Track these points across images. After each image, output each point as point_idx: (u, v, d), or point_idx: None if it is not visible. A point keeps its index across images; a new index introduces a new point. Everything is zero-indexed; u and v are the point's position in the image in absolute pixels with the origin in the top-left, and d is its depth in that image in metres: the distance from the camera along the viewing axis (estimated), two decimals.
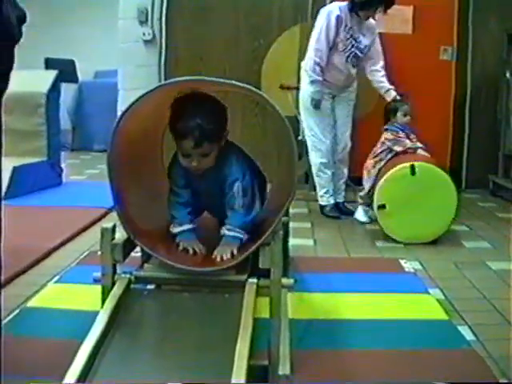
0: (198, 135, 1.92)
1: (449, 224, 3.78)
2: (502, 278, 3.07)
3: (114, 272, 1.88)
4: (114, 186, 1.91)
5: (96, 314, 1.69)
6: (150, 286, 2.02)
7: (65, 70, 6.41)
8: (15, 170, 4.61)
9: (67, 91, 7.34)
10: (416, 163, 3.76)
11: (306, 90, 4.42)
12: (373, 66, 4.43)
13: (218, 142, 2.00)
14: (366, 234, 4.06)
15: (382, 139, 4.15)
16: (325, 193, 4.56)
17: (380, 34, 4.54)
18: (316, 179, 4.60)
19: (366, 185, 4.16)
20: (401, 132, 4.12)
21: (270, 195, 2.36)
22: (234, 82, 1.99)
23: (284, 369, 1.87)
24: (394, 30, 5.48)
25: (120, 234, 1.92)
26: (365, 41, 4.36)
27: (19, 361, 1.96)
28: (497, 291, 2.87)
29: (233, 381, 1.38)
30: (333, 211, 4.54)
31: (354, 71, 4.43)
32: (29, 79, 4.97)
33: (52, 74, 5.50)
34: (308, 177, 5.13)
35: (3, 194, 3.23)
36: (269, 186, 2.39)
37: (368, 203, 4.14)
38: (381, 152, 4.12)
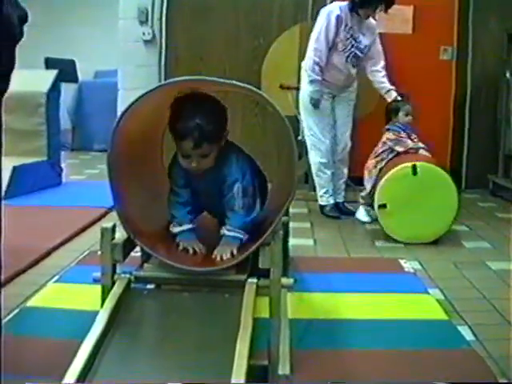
0: (198, 136, 1.91)
1: (449, 224, 3.78)
2: (502, 278, 3.07)
3: (114, 272, 1.88)
4: (113, 186, 1.91)
5: (96, 313, 1.69)
6: (150, 286, 2.02)
7: (65, 70, 6.41)
8: (15, 169, 4.61)
9: (67, 91, 7.34)
10: (418, 163, 3.76)
11: (306, 90, 4.42)
12: (373, 66, 4.43)
13: (218, 143, 2.00)
14: (366, 234, 4.06)
15: (384, 139, 4.14)
16: (324, 193, 4.56)
17: (380, 33, 4.54)
18: (316, 179, 4.60)
19: (367, 185, 4.16)
20: (402, 132, 4.12)
21: (270, 195, 2.35)
22: (234, 81, 1.99)
23: (284, 369, 1.87)
24: (394, 29, 5.49)
25: (120, 234, 1.92)
26: (365, 41, 4.36)
27: (19, 360, 1.96)
28: (497, 291, 2.87)
29: (232, 381, 1.38)
30: (333, 211, 4.53)
31: (353, 71, 4.43)
32: (29, 79, 4.97)
33: (52, 73, 5.50)
34: (308, 177, 5.13)
35: (3, 193, 3.24)
36: (269, 186, 2.38)
37: (369, 203, 4.14)
38: (382, 152, 4.12)
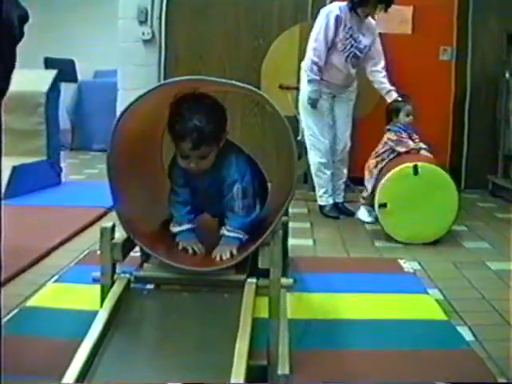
0: (196, 137, 1.90)
1: (450, 225, 3.78)
2: (502, 279, 3.07)
3: (114, 271, 1.88)
4: (113, 186, 1.91)
5: (95, 313, 1.69)
6: (150, 286, 2.02)
7: (64, 70, 6.41)
8: (15, 169, 4.61)
9: (67, 91, 7.34)
10: (419, 163, 3.76)
11: (306, 90, 4.42)
12: (374, 66, 4.43)
13: (217, 144, 1.99)
14: (366, 234, 4.06)
15: (385, 139, 4.14)
16: (324, 193, 4.56)
17: (380, 34, 4.54)
18: (315, 179, 4.60)
19: (368, 185, 4.15)
20: (403, 132, 4.12)
21: (270, 195, 2.35)
22: (233, 81, 1.99)
23: (283, 369, 1.87)
24: (393, 30, 5.49)
25: (119, 234, 1.92)
26: (364, 41, 4.35)
27: (18, 360, 1.96)
28: (496, 291, 2.87)
29: (232, 380, 1.38)
30: (332, 211, 4.53)
31: (353, 71, 4.43)
32: (28, 79, 4.97)
33: (51, 73, 5.50)
34: (307, 177, 5.13)
35: (3, 193, 3.24)
36: (269, 186, 2.38)
37: (371, 203, 4.13)
38: (383, 152, 4.12)
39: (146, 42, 5.93)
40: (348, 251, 3.63)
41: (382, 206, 3.77)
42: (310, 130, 4.49)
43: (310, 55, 4.34)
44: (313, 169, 4.58)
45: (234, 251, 1.97)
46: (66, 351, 1.56)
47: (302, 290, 2.72)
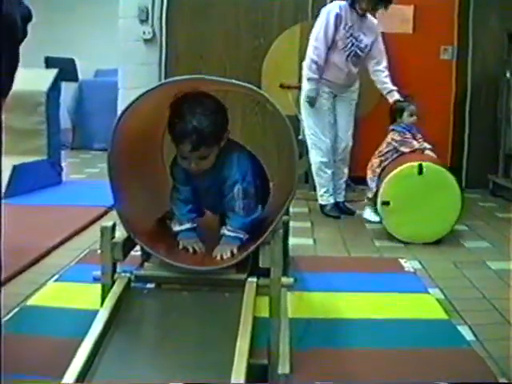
0: (195, 139, 1.89)
1: (452, 225, 3.78)
2: (502, 278, 3.07)
3: (114, 271, 1.88)
4: (114, 185, 1.91)
5: (96, 312, 1.69)
6: (150, 285, 2.01)
7: (65, 69, 6.40)
8: (15, 168, 4.61)
9: (67, 90, 7.34)
10: (424, 163, 3.76)
11: (304, 88, 4.42)
12: (376, 65, 4.43)
13: (218, 144, 1.98)
14: (366, 234, 4.05)
15: (389, 139, 4.13)
16: (325, 192, 4.56)
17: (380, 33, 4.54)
18: (316, 178, 4.59)
19: (372, 184, 4.15)
20: (407, 133, 4.11)
21: (271, 194, 2.35)
22: (234, 80, 1.99)
23: (283, 368, 1.87)
24: (394, 29, 5.49)
25: (120, 233, 1.92)
26: (366, 40, 4.35)
27: (19, 359, 1.95)
28: (497, 291, 2.87)
29: (232, 380, 1.38)
30: (333, 210, 4.53)
31: (354, 70, 4.42)
32: (29, 78, 4.95)
33: (52, 72, 5.50)
34: (308, 176, 5.12)
35: (3, 192, 3.23)
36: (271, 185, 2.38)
37: (376, 203, 4.11)
38: (387, 152, 4.11)
39: (146, 41, 5.93)
40: (349, 251, 3.63)
41: (385, 203, 3.77)
42: (311, 129, 4.49)
43: (309, 54, 4.34)
44: (314, 168, 4.58)
45: (235, 250, 1.97)
46: (66, 350, 1.56)
47: (302, 290, 2.72)
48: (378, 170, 4.10)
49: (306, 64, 4.37)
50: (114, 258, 1.86)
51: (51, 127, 5.33)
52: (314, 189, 4.70)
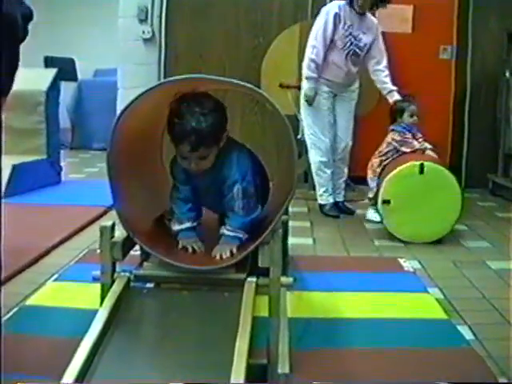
0: (194, 140, 1.89)
1: (452, 225, 3.78)
2: (502, 278, 3.07)
3: (114, 270, 1.88)
4: (113, 185, 1.91)
5: (95, 312, 1.69)
6: (150, 285, 2.01)
7: (64, 69, 6.41)
8: (14, 168, 4.61)
9: (67, 90, 7.33)
10: (426, 162, 3.76)
11: (302, 87, 4.42)
12: (376, 65, 4.42)
13: (217, 144, 1.97)
14: (366, 234, 4.05)
15: (389, 139, 4.13)
16: (324, 192, 4.56)
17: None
18: (315, 178, 4.59)
19: (372, 184, 4.15)
20: (407, 133, 4.11)
21: (270, 194, 2.35)
22: (233, 80, 1.99)
23: (283, 368, 1.87)
24: (393, 29, 5.49)
25: (119, 233, 1.92)
26: (365, 39, 4.35)
27: (18, 359, 1.95)
28: (496, 291, 2.87)
29: (232, 380, 1.37)
30: (332, 210, 4.53)
31: (354, 69, 4.42)
32: (28, 77, 4.94)
33: (52, 72, 5.50)
34: (307, 175, 5.12)
35: (3, 192, 3.23)
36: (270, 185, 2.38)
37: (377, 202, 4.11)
38: (387, 152, 4.12)
39: (146, 40, 5.93)
40: (348, 250, 3.63)
41: (386, 202, 3.77)
42: (311, 128, 4.49)
43: (308, 53, 4.34)
44: (313, 168, 4.58)
45: (234, 250, 1.97)
46: (65, 350, 1.56)
47: (302, 289, 2.71)
48: (379, 170, 4.10)
49: (304, 63, 4.37)
50: (113, 257, 1.86)
51: (50, 127, 5.33)
52: (314, 188, 4.70)
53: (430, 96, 5.40)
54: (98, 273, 1.87)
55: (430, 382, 1.94)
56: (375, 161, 4.16)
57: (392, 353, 2.18)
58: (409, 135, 4.11)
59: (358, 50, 4.34)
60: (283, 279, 1.87)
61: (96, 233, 1.90)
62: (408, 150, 4.05)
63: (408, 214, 3.76)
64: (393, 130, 4.16)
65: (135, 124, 2.01)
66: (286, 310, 2.28)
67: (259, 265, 1.86)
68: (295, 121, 4.71)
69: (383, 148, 4.15)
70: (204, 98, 1.96)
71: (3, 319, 2.18)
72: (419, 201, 3.74)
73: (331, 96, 4.46)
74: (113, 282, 1.85)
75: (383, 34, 4.55)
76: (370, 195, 4.24)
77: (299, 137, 4.63)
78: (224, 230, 2.03)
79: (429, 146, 4.11)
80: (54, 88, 5.37)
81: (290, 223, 2.76)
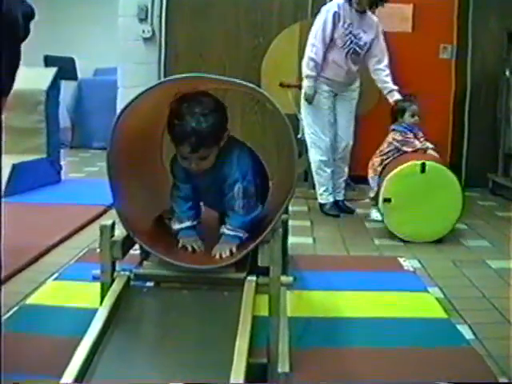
0: (194, 141, 1.89)
1: (453, 224, 3.78)
2: (502, 277, 3.07)
3: (113, 269, 1.88)
4: (113, 184, 1.90)
5: (95, 311, 1.69)
6: (150, 284, 2.01)
7: (64, 68, 6.41)
8: (14, 167, 4.61)
9: (67, 89, 7.33)
10: (427, 162, 3.76)
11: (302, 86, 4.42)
12: (377, 64, 4.42)
13: (217, 144, 1.97)
14: (366, 233, 4.05)
15: (390, 139, 4.13)
16: (324, 191, 4.56)
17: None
18: (315, 177, 4.59)
19: (373, 183, 4.15)
20: (409, 132, 4.11)
21: (270, 193, 2.35)
22: (234, 79, 1.98)
23: (283, 367, 1.87)
24: (393, 28, 5.48)
25: (119, 232, 1.92)
26: (365, 37, 4.34)
27: (18, 358, 1.95)
28: (496, 290, 2.87)
29: (232, 379, 1.37)
30: (332, 209, 4.53)
31: (354, 68, 4.41)
32: (28, 76, 4.92)
33: (51, 71, 5.50)
34: (308, 175, 5.12)
35: (2, 191, 3.23)
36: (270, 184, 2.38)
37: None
38: (388, 151, 4.12)
39: (146, 39, 5.93)
40: (348, 249, 3.63)
41: (387, 200, 3.77)
42: (311, 127, 4.48)
43: (307, 51, 4.34)
44: (313, 167, 4.58)
45: (234, 249, 1.97)
46: (65, 349, 1.56)
47: (301, 288, 2.71)
48: (380, 169, 4.10)
49: (304, 61, 4.37)
50: (113, 256, 1.86)
51: (50, 126, 5.33)
52: (314, 187, 4.70)
53: (429, 95, 5.38)
54: (97, 272, 1.87)
55: (430, 381, 1.94)
56: (376, 160, 4.16)
57: (392, 352, 2.18)
58: (410, 135, 4.11)
59: (358, 49, 4.34)
60: (283, 278, 1.87)
61: (96, 232, 1.90)
62: (410, 150, 4.05)
63: (409, 213, 3.76)
64: (394, 129, 4.15)
65: (135, 123, 2.01)
66: (285, 309, 2.28)
67: (259, 264, 1.86)
68: (295, 120, 4.71)
69: (384, 147, 4.15)
70: (204, 97, 1.96)
71: (3, 318, 2.18)
72: (420, 200, 3.74)
73: (332, 95, 4.46)
74: (113, 280, 1.85)
75: (383, 33, 4.54)
76: (371, 194, 4.24)
77: (299, 136, 4.63)
78: (224, 229, 2.03)
79: (430, 146, 4.11)
80: (54, 87, 5.37)
81: (290, 222, 2.76)
